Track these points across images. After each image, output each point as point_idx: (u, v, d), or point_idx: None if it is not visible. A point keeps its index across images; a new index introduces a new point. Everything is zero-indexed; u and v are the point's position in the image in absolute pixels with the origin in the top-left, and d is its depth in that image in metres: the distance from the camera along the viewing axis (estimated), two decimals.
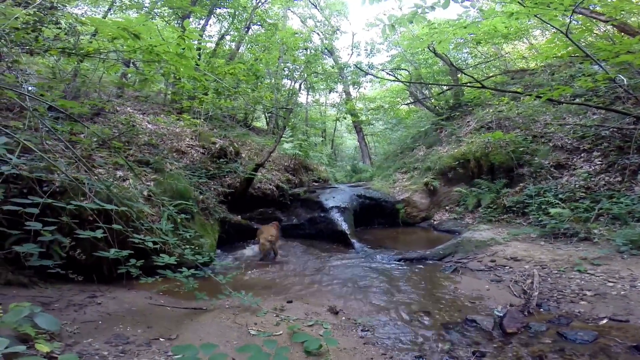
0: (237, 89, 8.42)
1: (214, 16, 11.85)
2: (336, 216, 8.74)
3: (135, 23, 6.19)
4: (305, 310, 4.31)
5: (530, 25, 13.89)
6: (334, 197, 9.62)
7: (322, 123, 17.91)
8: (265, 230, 7.29)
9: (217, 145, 9.66)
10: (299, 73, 10.33)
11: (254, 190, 9.53)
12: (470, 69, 13.86)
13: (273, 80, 9.78)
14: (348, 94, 15.97)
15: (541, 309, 4.21)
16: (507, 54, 13.77)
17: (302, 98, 16.65)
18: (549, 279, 5.08)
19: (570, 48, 10.68)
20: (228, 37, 12.45)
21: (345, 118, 15.66)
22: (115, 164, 6.86)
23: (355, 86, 15.77)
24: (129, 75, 11.06)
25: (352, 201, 9.70)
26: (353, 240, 7.94)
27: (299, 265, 6.58)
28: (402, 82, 13.21)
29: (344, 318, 4.17)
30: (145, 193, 6.52)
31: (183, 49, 5.97)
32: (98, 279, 5.00)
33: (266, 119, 14.66)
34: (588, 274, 5.02)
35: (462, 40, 13.49)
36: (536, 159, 9.22)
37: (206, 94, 9.57)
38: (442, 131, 12.36)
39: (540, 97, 6.62)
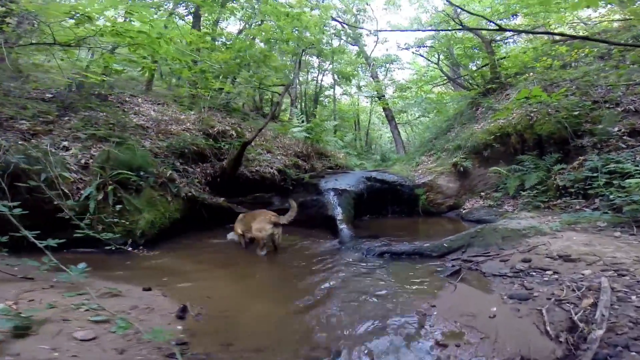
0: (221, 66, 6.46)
1: (230, 13, 10.04)
2: (330, 199, 6.32)
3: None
4: (142, 304, 2.48)
5: None
6: (336, 180, 7.17)
7: (354, 114, 15.30)
8: (263, 213, 4.64)
9: (215, 129, 7.87)
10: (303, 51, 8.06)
11: (250, 174, 7.53)
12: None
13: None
14: (375, 77, 13.18)
15: None
16: (545, 23, 9.88)
17: (331, 90, 14.33)
18: (632, 297, 2.16)
19: None
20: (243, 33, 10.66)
21: (378, 99, 12.70)
22: (74, 137, 5.43)
23: (373, 64, 12.73)
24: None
25: (358, 184, 7.14)
26: (342, 227, 5.46)
27: (241, 255, 4.35)
28: (421, 30, 10.07)
29: (179, 327, 2.14)
30: (83, 162, 4.89)
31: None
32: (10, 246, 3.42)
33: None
34: None
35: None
36: (600, 126, 5.81)
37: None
38: (478, 108, 9.09)
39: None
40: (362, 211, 6.98)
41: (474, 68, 10.13)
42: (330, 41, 9.62)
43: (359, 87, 13.79)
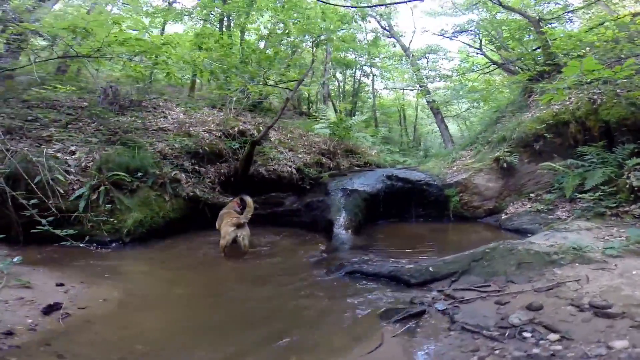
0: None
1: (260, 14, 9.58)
2: (334, 201, 5.49)
3: (84, 21, 4.82)
4: (31, 297, 2.34)
5: None
6: (350, 180, 6.30)
7: (397, 109, 13.73)
8: (228, 215, 4.31)
9: (235, 129, 7.55)
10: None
11: (267, 173, 7.03)
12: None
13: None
14: (415, 67, 11.47)
15: None
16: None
17: (370, 85, 13.04)
18: None
19: None
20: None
21: (420, 87, 11.11)
22: (86, 141, 5.54)
23: (413, 55, 10.98)
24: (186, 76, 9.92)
25: (375, 184, 6.12)
26: (339, 232, 4.66)
27: (212, 259, 3.85)
28: None
29: (29, 321, 2.04)
30: (83, 165, 4.90)
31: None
32: (10, 239, 3.72)
33: (334, 107, 11.85)
34: None
35: None
36: None
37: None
38: (532, 95, 7.22)
39: None
40: (378, 215, 5.97)
41: (525, 52, 8.14)
42: (334, 29, 8.21)
43: (364, 76, 12.11)
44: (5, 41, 4.85)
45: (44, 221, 3.45)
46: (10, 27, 4.79)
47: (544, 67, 6.69)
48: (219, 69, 6.01)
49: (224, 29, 8.62)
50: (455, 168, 6.83)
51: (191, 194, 5.64)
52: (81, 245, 3.44)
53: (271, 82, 8.52)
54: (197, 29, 9.95)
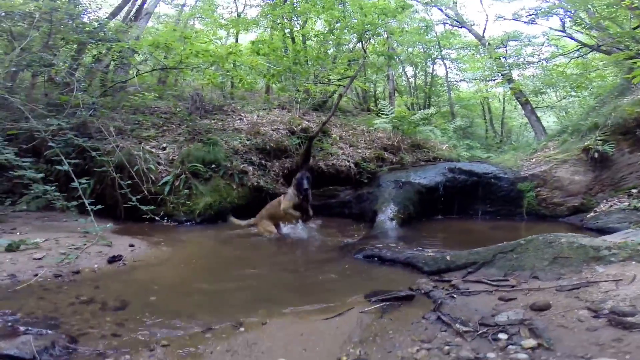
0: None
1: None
2: (384, 192, 5.40)
3: (164, 38, 5.80)
4: (107, 251, 3.04)
5: None
6: (407, 172, 6.11)
7: (480, 101, 12.15)
8: (270, 204, 5.03)
9: (299, 127, 8.04)
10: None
11: (326, 167, 7.33)
12: None
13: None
14: (491, 52, 9.91)
15: None
16: None
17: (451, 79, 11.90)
18: None
19: None
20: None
21: (495, 79, 9.68)
22: (174, 140, 6.67)
23: (489, 44, 9.46)
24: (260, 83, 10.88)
25: (434, 177, 5.78)
26: (383, 221, 4.62)
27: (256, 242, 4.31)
28: None
29: (96, 266, 2.74)
30: (171, 158, 5.94)
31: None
32: (115, 215, 4.93)
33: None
34: None
35: None
36: None
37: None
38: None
39: None
40: (436, 209, 5.64)
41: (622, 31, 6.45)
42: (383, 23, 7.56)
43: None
44: (111, 58, 6.22)
45: (134, 198, 4.37)
46: (113, 47, 6.08)
47: None
48: (275, 71, 6.53)
49: (286, 34, 9.19)
50: (534, 160, 5.97)
51: (255, 184, 6.27)
52: (156, 218, 4.29)
53: (333, 80, 8.79)
54: (268, 35, 10.79)
